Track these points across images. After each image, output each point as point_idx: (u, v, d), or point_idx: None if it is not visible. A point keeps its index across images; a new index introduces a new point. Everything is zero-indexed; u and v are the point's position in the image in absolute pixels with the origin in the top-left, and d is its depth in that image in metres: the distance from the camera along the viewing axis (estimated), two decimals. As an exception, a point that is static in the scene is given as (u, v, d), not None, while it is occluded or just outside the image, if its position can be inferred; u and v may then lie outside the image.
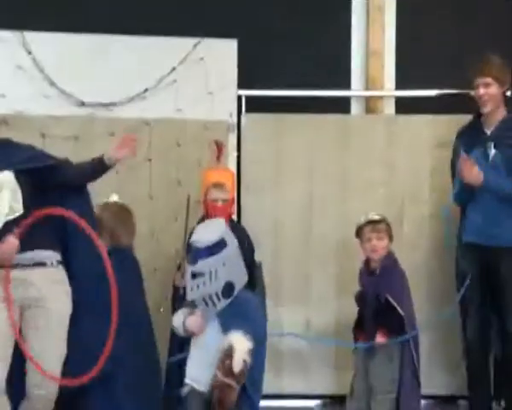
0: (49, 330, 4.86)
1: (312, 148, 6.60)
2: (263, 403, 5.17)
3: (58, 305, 4.89)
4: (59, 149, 5.60)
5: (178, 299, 5.91)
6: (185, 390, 4.92)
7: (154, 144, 6.34)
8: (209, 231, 4.94)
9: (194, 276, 4.90)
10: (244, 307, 4.91)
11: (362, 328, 5.72)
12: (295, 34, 6.80)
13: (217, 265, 4.86)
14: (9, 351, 4.88)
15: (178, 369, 5.55)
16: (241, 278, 5.04)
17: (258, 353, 4.88)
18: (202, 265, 4.83)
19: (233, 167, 6.44)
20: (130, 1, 6.70)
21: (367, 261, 5.72)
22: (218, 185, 6.06)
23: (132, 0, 6.70)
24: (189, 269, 4.85)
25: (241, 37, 6.43)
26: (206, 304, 4.90)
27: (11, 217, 4.87)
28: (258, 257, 6.05)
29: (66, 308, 4.93)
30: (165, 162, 6.38)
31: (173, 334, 5.50)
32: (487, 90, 5.96)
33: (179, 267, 5.92)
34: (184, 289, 5.37)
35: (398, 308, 5.47)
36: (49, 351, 4.81)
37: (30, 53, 6.06)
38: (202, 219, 6.02)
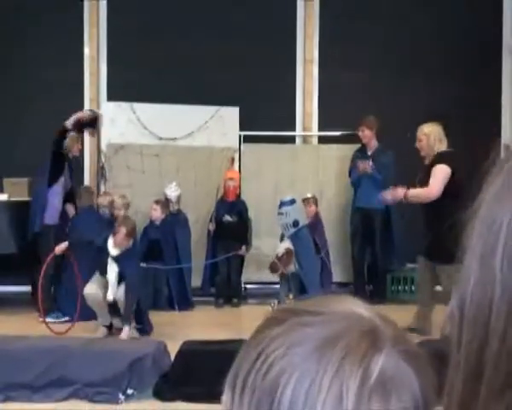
0: None
1: (277, 161, 11.24)
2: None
3: None
4: (148, 162, 10.68)
5: (209, 234, 10.55)
6: None
7: (197, 159, 10.83)
8: (288, 195, 9.06)
9: (280, 213, 8.92)
10: (302, 235, 8.95)
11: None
12: (270, 92, 11.29)
13: (289, 210, 8.77)
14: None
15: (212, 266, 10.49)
16: (302, 220, 8.84)
17: (309, 258, 8.99)
18: (284, 209, 8.79)
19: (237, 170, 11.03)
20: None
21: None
22: (231, 178, 10.62)
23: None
24: (278, 210, 8.93)
25: (242, 105, 11.00)
26: (284, 229, 8.85)
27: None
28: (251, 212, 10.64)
29: None
30: (203, 167, 10.93)
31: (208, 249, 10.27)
32: (364, 133, 10.61)
33: (211, 219, 10.55)
34: (214, 230, 10.24)
35: (317, 239, 10.24)
36: None
37: (134, 113, 10.89)
38: (221, 197, 10.54)
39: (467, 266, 0.81)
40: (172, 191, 10.42)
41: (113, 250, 8.24)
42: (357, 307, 0.86)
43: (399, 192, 7.65)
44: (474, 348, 0.79)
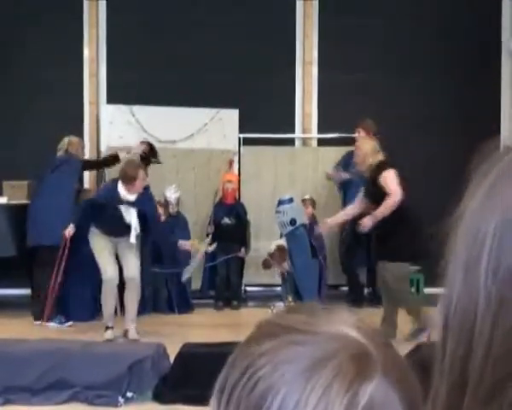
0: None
1: (276, 163, 11.38)
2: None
3: None
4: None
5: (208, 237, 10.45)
6: None
7: (197, 161, 10.94)
8: (286, 194, 9.11)
9: (277, 212, 9.01)
10: (298, 233, 9.01)
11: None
12: (270, 94, 11.28)
13: (287, 208, 8.88)
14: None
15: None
16: (300, 219, 8.92)
17: (303, 257, 9.03)
18: (281, 207, 8.88)
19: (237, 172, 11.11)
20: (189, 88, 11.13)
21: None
22: (229, 181, 10.71)
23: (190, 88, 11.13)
24: (276, 209, 9.03)
25: (241, 107, 11.09)
26: (282, 227, 8.92)
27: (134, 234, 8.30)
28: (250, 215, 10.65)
29: None
30: (203, 170, 11.03)
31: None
32: (360, 135, 10.09)
33: (209, 222, 10.60)
34: (213, 233, 10.23)
35: (313, 241, 10.20)
36: None
37: (134, 115, 11.04)
38: (220, 200, 10.58)
39: (451, 274, 0.81)
40: (172, 193, 10.44)
41: (130, 196, 8.32)
42: (350, 328, 0.85)
43: (367, 222, 7.88)
44: (459, 357, 0.79)
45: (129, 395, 6.44)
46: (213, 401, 0.85)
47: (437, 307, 0.83)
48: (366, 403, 0.79)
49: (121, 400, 6.38)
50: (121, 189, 8.27)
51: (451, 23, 11.43)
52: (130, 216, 8.29)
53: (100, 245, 8.43)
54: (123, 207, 8.31)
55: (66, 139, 9.87)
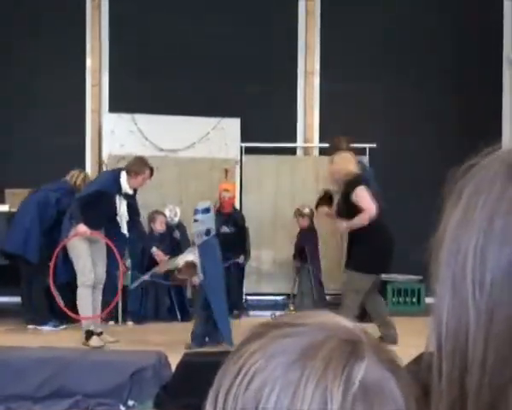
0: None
1: (278, 172, 11.50)
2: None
3: None
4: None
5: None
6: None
7: (199, 170, 11.01)
8: (202, 204, 8.79)
9: (195, 221, 8.63)
10: (212, 243, 8.68)
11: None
12: (271, 103, 11.46)
13: (205, 218, 8.56)
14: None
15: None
16: (213, 229, 8.65)
17: (214, 266, 8.67)
18: (199, 217, 8.57)
19: (238, 182, 11.19)
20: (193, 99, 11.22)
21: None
22: (226, 190, 10.65)
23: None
24: (193, 217, 8.65)
25: (243, 116, 11.12)
26: (197, 237, 8.61)
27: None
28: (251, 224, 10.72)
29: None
30: (204, 179, 11.05)
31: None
32: None
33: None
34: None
35: (306, 250, 10.35)
36: None
37: (136, 124, 11.11)
38: (218, 209, 10.45)
39: (439, 296, 0.82)
40: (173, 216, 10.42)
41: (130, 190, 8.52)
42: (338, 319, 0.86)
43: (341, 225, 8.22)
44: (455, 379, 0.80)
45: (130, 403, 6.42)
46: (208, 407, 0.83)
47: (430, 325, 0.84)
48: (361, 383, 0.78)
49: (122, 408, 6.37)
50: (124, 180, 8.40)
51: (451, 29, 11.47)
52: (123, 207, 8.44)
53: (80, 248, 8.40)
54: (117, 199, 8.43)
55: (82, 174, 9.82)
